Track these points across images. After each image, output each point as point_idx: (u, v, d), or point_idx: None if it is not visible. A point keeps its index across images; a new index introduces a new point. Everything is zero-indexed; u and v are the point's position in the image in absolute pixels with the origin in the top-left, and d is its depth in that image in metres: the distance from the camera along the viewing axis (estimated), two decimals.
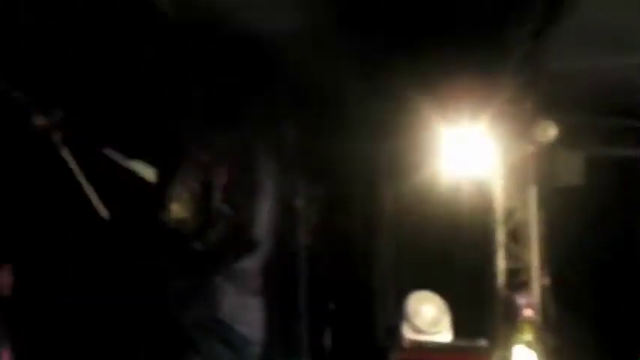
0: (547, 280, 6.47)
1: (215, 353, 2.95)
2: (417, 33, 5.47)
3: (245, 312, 3.07)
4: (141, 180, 3.60)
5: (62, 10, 4.51)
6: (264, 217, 3.08)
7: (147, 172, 3.62)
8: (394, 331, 6.49)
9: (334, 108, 6.07)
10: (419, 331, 6.47)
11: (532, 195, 6.56)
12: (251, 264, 3.11)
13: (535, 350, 6.11)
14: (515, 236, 6.59)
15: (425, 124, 6.01)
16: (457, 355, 6.35)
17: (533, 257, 6.54)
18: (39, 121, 3.48)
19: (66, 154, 3.53)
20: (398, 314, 6.56)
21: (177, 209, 3.15)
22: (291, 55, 5.16)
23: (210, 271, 3.03)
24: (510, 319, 6.28)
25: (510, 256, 6.57)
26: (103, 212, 3.31)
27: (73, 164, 3.48)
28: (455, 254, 6.71)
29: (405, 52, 5.53)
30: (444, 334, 6.53)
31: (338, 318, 6.08)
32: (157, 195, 3.28)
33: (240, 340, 3.01)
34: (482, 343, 6.37)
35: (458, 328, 6.53)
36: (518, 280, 6.50)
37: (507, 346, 6.16)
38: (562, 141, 6.25)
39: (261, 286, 3.19)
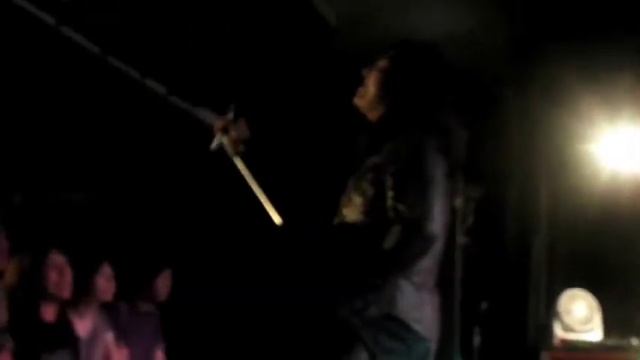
0: None
1: (386, 348, 2.91)
2: (581, 31, 5.61)
3: (420, 309, 3.01)
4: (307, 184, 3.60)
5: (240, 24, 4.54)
6: (437, 214, 2.97)
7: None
8: (545, 330, 6.46)
9: (492, 107, 6.13)
10: (570, 329, 6.43)
11: None
12: (427, 261, 3.05)
13: None
14: None
15: (583, 121, 6.01)
16: (608, 354, 6.27)
17: None
18: (216, 122, 3.49)
19: (237, 160, 3.50)
20: (549, 313, 6.55)
21: (349, 213, 3.11)
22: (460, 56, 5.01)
23: (389, 270, 2.98)
24: None
25: None
26: (277, 219, 3.26)
27: (244, 170, 3.43)
28: (608, 251, 6.55)
29: (569, 51, 5.63)
30: (594, 333, 6.48)
31: (489, 317, 6.02)
32: (327, 201, 3.27)
33: (413, 336, 2.97)
34: (634, 341, 6.29)
35: (609, 326, 6.47)
36: None
37: None
38: None
39: (436, 282, 3.17)
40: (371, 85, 3.30)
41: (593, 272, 6.58)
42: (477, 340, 5.86)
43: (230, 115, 3.57)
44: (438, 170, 3.04)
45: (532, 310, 6.53)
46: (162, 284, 6.08)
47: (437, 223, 2.97)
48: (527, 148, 6.35)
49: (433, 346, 3.10)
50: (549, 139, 6.20)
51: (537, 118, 6.13)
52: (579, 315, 6.44)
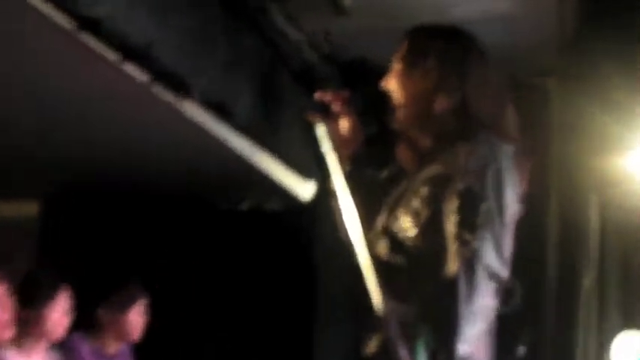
0: None
1: None
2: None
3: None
4: None
5: None
6: (506, 244, 2.76)
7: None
8: None
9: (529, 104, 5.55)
10: None
11: None
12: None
13: None
14: None
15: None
16: None
17: None
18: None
19: None
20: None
21: (406, 221, 2.81)
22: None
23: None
24: None
25: None
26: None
27: None
28: None
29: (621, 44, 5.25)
30: None
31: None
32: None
33: None
34: None
35: None
36: None
37: None
38: None
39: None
40: (412, 92, 2.95)
41: None
42: None
43: None
44: (511, 194, 2.79)
45: (580, 356, 6.02)
46: (135, 319, 5.50)
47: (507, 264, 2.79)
48: (571, 158, 5.85)
49: None
50: (598, 146, 5.72)
51: (583, 121, 5.63)
52: None
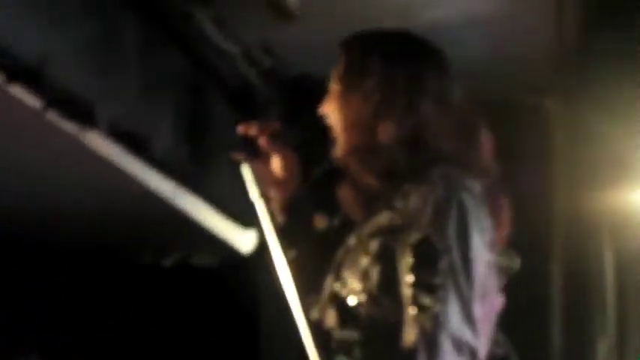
0: None
1: None
2: None
3: None
4: None
5: None
6: (476, 306, 2.76)
7: None
8: None
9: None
10: None
11: None
12: None
13: None
14: None
15: None
16: None
17: None
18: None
19: None
20: None
21: (354, 284, 2.83)
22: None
23: None
24: None
25: None
26: None
27: None
28: None
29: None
30: None
31: None
32: None
33: None
34: None
35: None
36: None
37: None
38: None
39: None
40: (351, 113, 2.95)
41: None
42: None
43: None
44: (479, 242, 2.77)
45: None
46: None
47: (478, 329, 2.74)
48: (577, 193, 5.89)
49: None
50: (610, 178, 5.75)
51: (591, 148, 5.67)
52: None
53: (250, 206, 3.58)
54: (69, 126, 4.27)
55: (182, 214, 5.39)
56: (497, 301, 2.97)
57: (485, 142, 2.94)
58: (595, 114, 5.57)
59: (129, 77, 4.38)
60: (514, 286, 3.46)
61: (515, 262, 4.53)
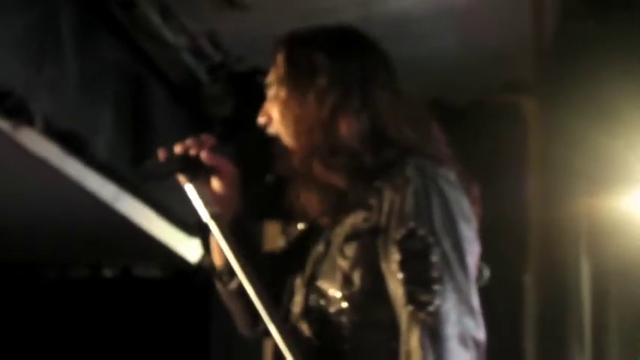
0: None
1: None
2: None
3: None
4: None
5: None
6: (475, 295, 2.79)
7: None
8: None
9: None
10: None
11: None
12: None
13: None
14: None
15: None
16: None
17: None
18: None
19: None
20: None
21: (334, 292, 2.83)
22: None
23: None
24: None
25: None
26: None
27: None
28: None
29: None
30: None
31: None
32: None
33: None
34: None
35: None
36: None
37: None
38: None
39: None
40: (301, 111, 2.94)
41: None
42: None
43: None
44: (468, 230, 2.82)
45: None
46: None
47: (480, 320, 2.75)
48: (556, 199, 5.80)
49: None
50: (592, 183, 5.62)
51: (571, 150, 5.52)
52: None
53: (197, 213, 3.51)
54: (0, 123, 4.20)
55: (123, 219, 5.36)
56: None
57: (440, 134, 2.97)
58: (574, 115, 5.48)
59: (64, 70, 4.42)
60: (487, 297, 3.48)
61: (485, 273, 4.53)
